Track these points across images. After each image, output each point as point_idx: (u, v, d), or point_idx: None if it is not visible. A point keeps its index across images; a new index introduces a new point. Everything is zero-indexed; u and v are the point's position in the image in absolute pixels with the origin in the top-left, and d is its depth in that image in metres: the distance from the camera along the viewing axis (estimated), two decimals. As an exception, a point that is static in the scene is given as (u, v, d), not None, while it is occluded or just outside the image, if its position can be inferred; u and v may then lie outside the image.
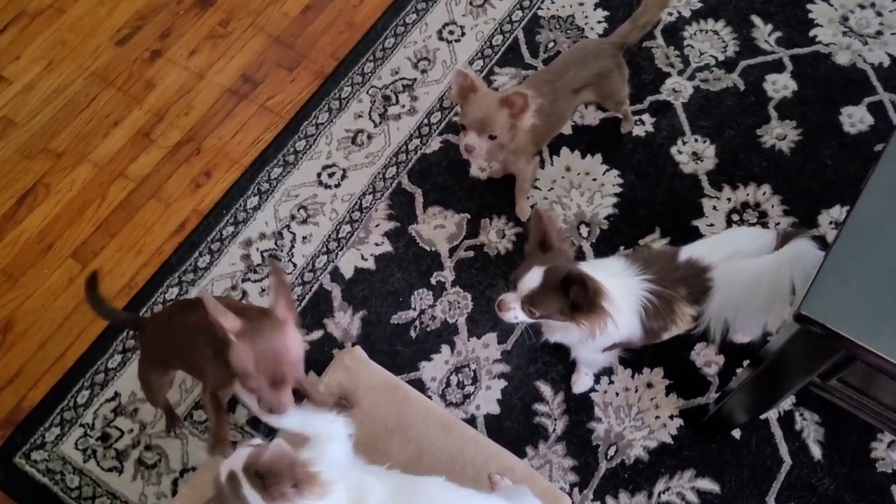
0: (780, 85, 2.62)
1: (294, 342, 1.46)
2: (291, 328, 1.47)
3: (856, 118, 2.53)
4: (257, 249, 2.47)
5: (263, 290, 2.40)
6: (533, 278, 1.71)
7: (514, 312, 1.78)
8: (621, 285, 1.73)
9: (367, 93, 2.74)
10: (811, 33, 2.71)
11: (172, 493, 2.11)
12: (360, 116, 2.70)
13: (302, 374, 1.58)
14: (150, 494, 2.11)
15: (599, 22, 2.80)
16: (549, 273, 1.70)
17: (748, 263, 1.76)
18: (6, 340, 2.35)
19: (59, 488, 2.13)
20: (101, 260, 2.48)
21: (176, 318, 1.81)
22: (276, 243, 2.48)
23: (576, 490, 2.07)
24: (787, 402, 2.13)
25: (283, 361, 1.42)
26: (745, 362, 2.17)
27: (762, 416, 2.11)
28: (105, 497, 2.12)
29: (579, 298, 1.65)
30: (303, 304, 2.37)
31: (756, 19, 2.76)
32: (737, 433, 2.11)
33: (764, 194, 2.43)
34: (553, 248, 1.76)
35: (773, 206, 2.41)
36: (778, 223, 2.37)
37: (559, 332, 1.89)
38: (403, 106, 2.71)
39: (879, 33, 2.69)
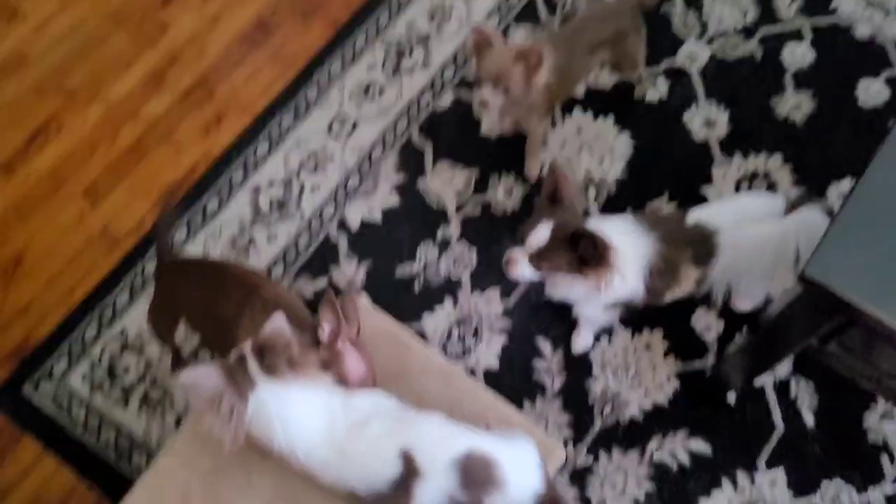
0: (798, 55, 2.60)
1: (353, 366, 1.52)
2: (349, 356, 1.51)
3: (872, 92, 2.52)
4: (266, 197, 2.49)
5: (270, 237, 2.42)
6: (542, 233, 1.72)
7: (522, 268, 1.79)
8: (628, 243, 1.74)
9: (382, 44, 2.73)
10: (833, 4, 2.68)
11: (176, 428, 2.15)
12: (373, 68, 2.69)
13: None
14: (155, 429, 2.16)
15: (619, -17, 2.77)
16: (558, 228, 1.71)
17: (755, 228, 1.77)
18: (16, 274, 2.38)
19: (65, 419, 2.18)
20: (111, 200, 2.50)
21: (209, 289, 1.78)
22: (284, 191, 2.49)
23: (570, 445, 2.11)
24: (784, 370, 2.16)
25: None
26: (745, 328, 2.19)
27: (758, 383, 2.14)
28: (110, 429, 2.17)
29: (588, 253, 1.66)
30: (309, 252, 2.39)
31: (777, -13, 2.73)
32: (732, 398, 2.14)
33: (775, 164, 2.43)
34: (563, 203, 1.77)
35: (782, 177, 2.41)
36: (786, 194, 2.37)
37: (563, 288, 1.91)
38: (417, 59, 2.70)
39: (901, 7, 2.66)
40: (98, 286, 2.35)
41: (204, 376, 1.36)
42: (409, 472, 1.38)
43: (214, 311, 1.71)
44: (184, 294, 1.84)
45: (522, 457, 1.46)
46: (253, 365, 1.36)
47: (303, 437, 1.39)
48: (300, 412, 1.39)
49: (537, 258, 1.75)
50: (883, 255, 1.27)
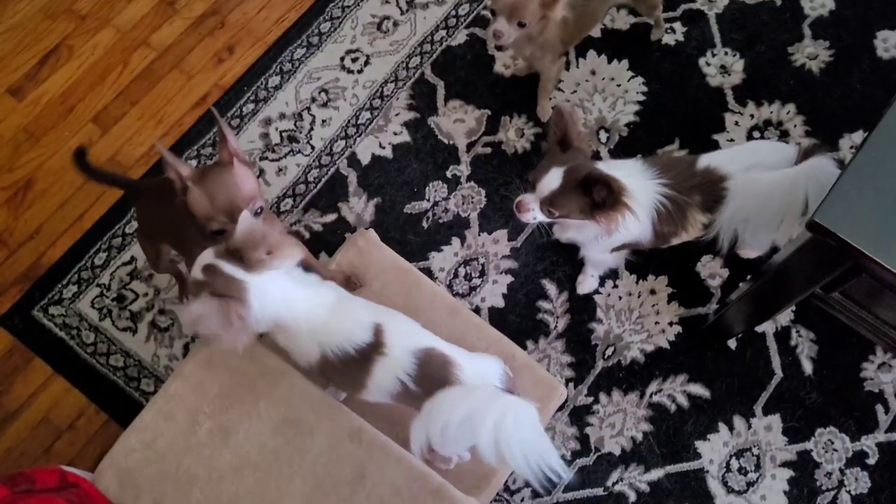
0: (818, 2, 2.56)
1: (243, 179, 1.55)
2: (238, 167, 1.55)
3: (891, 43, 2.48)
4: (276, 129, 2.48)
5: (280, 171, 2.42)
6: (553, 178, 1.72)
7: (533, 213, 1.79)
8: (637, 186, 1.74)
9: (397, -22, 2.69)
10: (857, -49, 2.63)
11: (184, 355, 2.19)
12: (387, 2, 2.65)
13: (260, 204, 1.63)
14: (163, 356, 2.20)
15: (640, -78, 2.71)
16: (570, 172, 1.71)
17: (765, 175, 1.76)
18: (27, 198, 2.39)
19: (75, 342, 2.22)
20: (121, 127, 2.49)
21: (165, 197, 1.79)
22: (295, 124, 2.48)
23: (571, 385, 2.15)
24: (785, 318, 2.18)
25: (237, 196, 1.52)
26: (749, 276, 2.21)
27: (759, 330, 2.17)
28: (119, 354, 2.21)
29: (602, 196, 1.67)
30: (318, 186, 2.40)
31: (802, -68, 2.67)
32: (732, 344, 2.17)
33: (788, 113, 2.41)
34: (572, 147, 1.77)
35: (795, 126, 2.40)
36: (799, 143, 2.36)
37: (572, 230, 1.92)
38: (432, -5, 2.66)
39: (927, -43, 2.61)
40: (107, 213, 2.36)
41: (200, 308, 1.40)
42: (376, 344, 1.50)
43: (182, 227, 1.74)
44: (156, 218, 1.86)
45: (484, 366, 1.54)
46: (233, 268, 1.42)
47: (303, 310, 1.50)
48: (297, 293, 1.50)
49: (549, 203, 1.75)
50: (892, 205, 1.27)
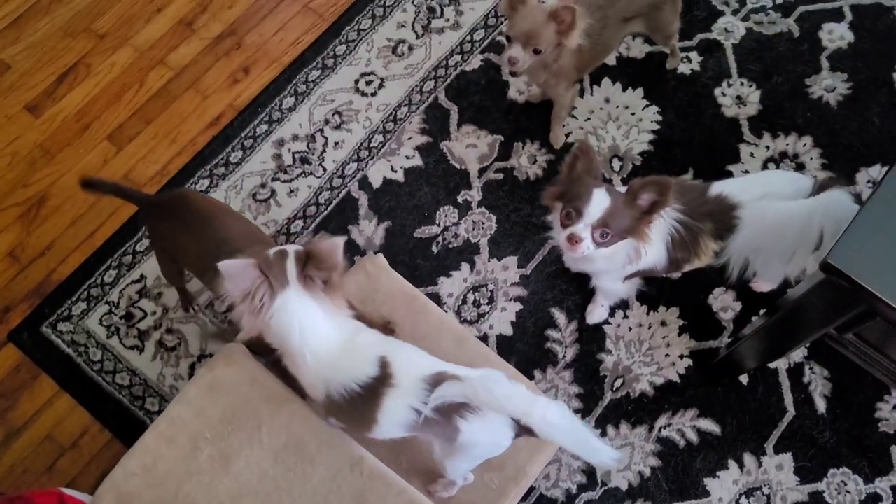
0: (837, 35, 2.54)
1: None
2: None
3: (910, 77, 2.46)
4: (289, 150, 2.48)
5: (291, 192, 2.42)
6: (601, 199, 1.66)
7: (587, 242, 1.69)
8: None
9: (413, 3, 2.69)
10: (877, -16, 2.61)
11: (189, 375, 2.18)
12: (402, 26, 2.66)
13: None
14: (168, 375, 2.19)
15: (658, -49, 2.71)
16: (612, 190, 1.68)
17: (780, 205, 1.74)
18: (40, 214, 2.40)
19: (82, 360, 2.22)
20: (136, 145, 2.50)
21: (177, 216, 1.81)
22: (308, 146, 2.48)
23: (578, 416, 2.12)
24: (799, 355, 2.15)
25: None
26: (762, 311, 2.17)
27: (771, 366, 2.13)
28: (125, 373, 2.20)
29: (652, 198, 1.64)
30: (329, 208, 2.39)
31: (821, -36, 2.66)
32: (744, 379, 2.13)
33: (804, 146, 2.39)
34: (594, 177, 1.74)
35: (811, 159, 2.37)
36: (814, 177, 2.33)
37: (600, 260, 1.86)
38: (448, 20, 2.66)
39: (949, -10, 2.59)
40: (119, 230, 2.36)
41: (241, 269, 1.42)
42: (383, 377, 1.46)
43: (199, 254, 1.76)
44: (169, 240, 1.86)
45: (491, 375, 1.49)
46: (292, 268, 1.44)
47: (314, 343, 1.48)
48: (319, 325, 1.48)
49: (602, 224, 1.67)
50: (909, 247, 1.25)
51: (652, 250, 1.76)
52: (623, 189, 1.71)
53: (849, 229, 1.26)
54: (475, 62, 2.58)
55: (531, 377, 2.15)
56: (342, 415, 1.55)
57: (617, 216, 1.67)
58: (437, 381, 1.44)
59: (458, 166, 2.43)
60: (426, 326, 1.88)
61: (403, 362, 1.49)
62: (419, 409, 1.44)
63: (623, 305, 2.22)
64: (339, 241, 1.45)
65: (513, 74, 2.05)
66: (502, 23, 2.61)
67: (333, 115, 2.53)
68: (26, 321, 2.26)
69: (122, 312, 2.27)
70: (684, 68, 2.52)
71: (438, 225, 2.36)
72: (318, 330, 1.48)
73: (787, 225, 1.72)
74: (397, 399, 1.45)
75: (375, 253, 2.27)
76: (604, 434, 2.10)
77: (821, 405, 2.10)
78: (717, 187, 1.82)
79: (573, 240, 1.68)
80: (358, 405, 1.47)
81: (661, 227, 1.75)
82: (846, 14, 2.57)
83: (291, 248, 1.47)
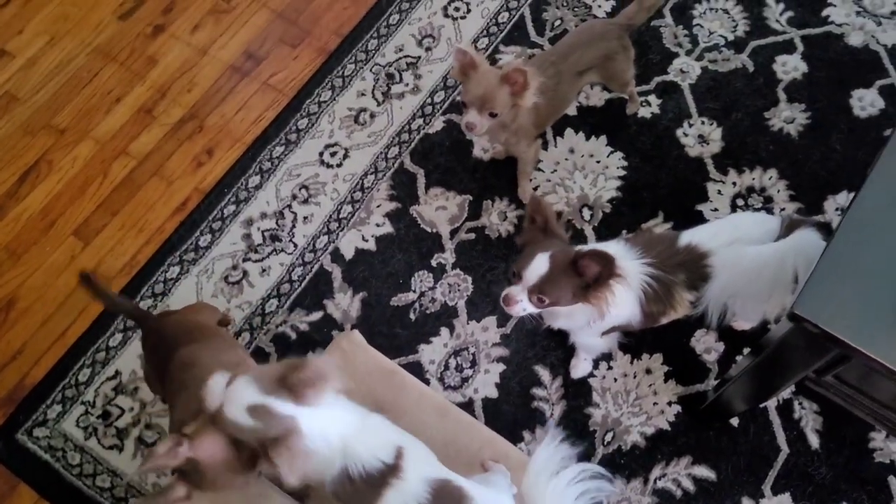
0: (791, 66, 2.57)
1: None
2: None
3: (866, 101, 2.48)
4: (258, 229, 2.47)
5: (264, 271, 2.40)
6: (540, 264, 1.67)
7: (522, 304, 1.73)
8: (622, 268, 1.71)
9: (371, 70, 2.71)
10: (824, 13, 2.65)
11: (172, 472, 2.12)
12: (363, 94, 2.68)
13: None
14: (150, 474, 2.13)
15: (608, 0, 2.75)
16: (556, 257, 1.67)
17: (750, 250, 1.73)
18: (8, 318, 2.37)
19: (60, 465, 2.16)
20: (103, 238, 2.48)
21: (163, 342, 1.76)
22: (277, 223, 2.47)
23: (572, 475, 2.07)
24: (786, 392, 2.12)
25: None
26: (746, 350, 2.16)
27: (760, 405, 2.11)
28: (105, 475, 2.14)
29: (594, 273, 1.63)
30: (303, 284, 2.37)
31: (768, -2, 2.71)
32: (735, 421, 2.10)
33: (770, 179, 2.40)
34: (552, 234, 1.74)
35: (778, 191, 2.38)
36: (783, 209, 2.34)
37: (562, 318, 1.88)
38: (407, 84, 2.68)
39: (895, 13, 2.63)
40: (90, 327, 2.33)
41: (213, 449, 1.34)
42: (395, 467, 1.39)
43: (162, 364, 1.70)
44: (151, 351, 1.81)
45: (499, 499, 1.46)
46: (282, 405, 1.33)
47: (331, 431, 1.39)
48: (332, 418, 1.39)
49: (538, 290, 1.70)
50: (873, 289, 1.24)
51: (623, 307, 1.74)
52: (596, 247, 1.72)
53: (813, 276, 1.25)
54: (438, 124, 2.60)
55: (520, 439, 2.11)
56: (346, 493, 1.44)
57: (553, 284, 1.67)
58: (440, 487, 1.39)
59: (429, 230, 2.43)
60: (406, 401, 1.84)
61: (415, 458, 1.43)
62: None
63: (606, 356, 2.20)
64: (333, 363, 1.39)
65: (472, 136, 2.06)
66: (460, 84, 2.63)
67: (300, 189, 2.52)
68: (1, 430, 2.21)
69: (99, 412, 2.22)
70: (644, 112, 2.54)
71: (414, 291, 2.34)
72: (335, 420, 1.40)
73: (761, 270, 1.71)
74: (399, 493, 1.39)
75: (353, 327, 2.25)
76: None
77: (814, 441, 2.07)
78: (686, 236, 1.81)
79: (508, 301, 1.74)
80: (365, 488, 1.40)
81: (633, 283, 1.74)
82: (797, 45, 2.61)
83: (254, 399, 1.32)
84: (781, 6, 2.68)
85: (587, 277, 1.65)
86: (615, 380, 2.18)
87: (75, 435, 2.19)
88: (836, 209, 2.32)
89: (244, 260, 2.42)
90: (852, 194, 2.25)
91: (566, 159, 2.49)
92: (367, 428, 1.44)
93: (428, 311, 2.31)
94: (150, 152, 2.63)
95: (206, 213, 2.50)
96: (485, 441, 1.80)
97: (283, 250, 2.43)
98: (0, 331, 2.34)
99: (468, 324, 2.28)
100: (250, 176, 2.56)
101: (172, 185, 2.56)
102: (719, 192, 2.40)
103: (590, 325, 1.83)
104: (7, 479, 2.15)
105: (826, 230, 1.78)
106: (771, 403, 2.11)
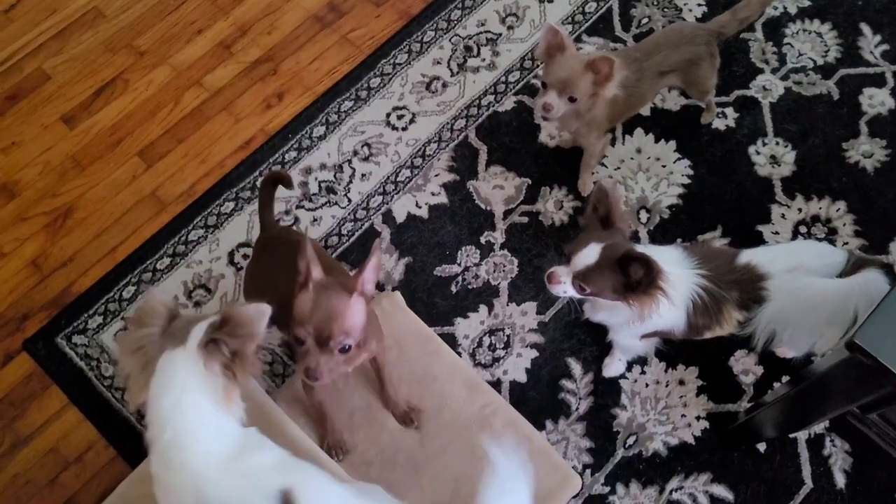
0: (878, 100, 2.50)
1: (355, 313, 1.45)
2: (356, 301, 1.46)
3: (951, 148, 2.41)
4: (315, 179, 2.48)
5: (315, 220, 2.41)
6: (590, 253, 1.67)
7: (564, 286, 1.74)
8: (675, 275, 1.68)
9: (450, 41, 2.70)
10: (921, 52, 2.57)
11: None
12: (438, 63, 2.67)
13: (377, 352, 1.65)
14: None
15: (699, 4, 2.70)
16: (607, 250, 1.66)
17: (815, 282, 1.69)
18: (65, 225, 2.42)
19: (93, 374, 2.21)
20: (166, 163, 2.52)
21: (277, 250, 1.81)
22: (335, 175, 2.48)
23: (588, 471, 2.07)
24: (820, 426, 2.08)
25: (336, 322, 1.42)
26: (785, 378, 2.12)
27: (791, 435, 2.07)
28: (134, 391, 2.19)
29: (639, 277, 1.62)
30: (351, 240, 2.38)
31: (865, 27, 2.63)
32: (762, 446, 2.07)
33: (838, 211, 2.34)
34: (612, 226, 1.73)
35: (844, 225, 2.32)
36: (846, 243, 2.29)
37: (604, 312, 1.87)
38: (484, 59, 2.66)
39: None
40: (141, 247, 2.37)
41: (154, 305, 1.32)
42: None
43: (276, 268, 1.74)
44: (261, 274, 1.84)
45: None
46: (200, 329, 1.28)
47: (192, 433, 1.24)
48: (204, 412, 1.25)
49: (582, 278, 1.70)
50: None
51: (669, 313, 1.72)
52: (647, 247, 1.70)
53: (878, 309, 1.22)
54: (508, 104, 2.58)
55: (542, 427, 2.11)
56: None
57: (598, 276, 1.67)
58: None
59: (483, 207, 2.42)
60: (438, 369, 1.85)
61: (314, 498, 1.21)
62: None
63: (641, 361, 2.18)
64: (266, 310, 1.27)
65: (545, 119, 2.04)
66: (538, 66, 2.61)
67: (363, 146, 2.53)
68: (42, 331, 2.27)
69: (137, 330, 2.26)
70: (719, 123, 2.49)
71: (459, 264, 2.34)
72: (203, 417, 1.23)
73: (822, 303, 1.67)
74: None
75: (393, 289, 2.26)
76: (613, 492, 2.05)
77: (840, 480, 2.03)
78: (746, 256, 1.78)
79: (552, 278, 1.75)
80: None
81: (683, 291, 1.71)
82: (888, 80, 2.53)
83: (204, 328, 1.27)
84: (878, 38, 2.60)
85: (632, 279, 1.64)
86: (646, 385, 2.16)
87: (112, 348, 2.24)
88: (902, 252, 2.26)
89: (297, 206, 2.44)
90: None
91: (632, 159, 2.46)
92: (239, 465, 1.24)
93: (470, 287, 2.31)
94: (222, 87, 2.65)
95: (267, 155, 2.52)
96: (509, 420, 1.81)
97: (336, 203, 2.44)
98: (55, 236, 2.40)
99: (508, 305, 2.28)
100: (316, 126, 2.57)
101: (239, 123, 2.59)
102: (783, 215, 2.35)
103: (630, 326, 1.81)
104: (41, 379, 2.21)
105: (890, 272, 1.74)
106: (801, 435, 2.07)
